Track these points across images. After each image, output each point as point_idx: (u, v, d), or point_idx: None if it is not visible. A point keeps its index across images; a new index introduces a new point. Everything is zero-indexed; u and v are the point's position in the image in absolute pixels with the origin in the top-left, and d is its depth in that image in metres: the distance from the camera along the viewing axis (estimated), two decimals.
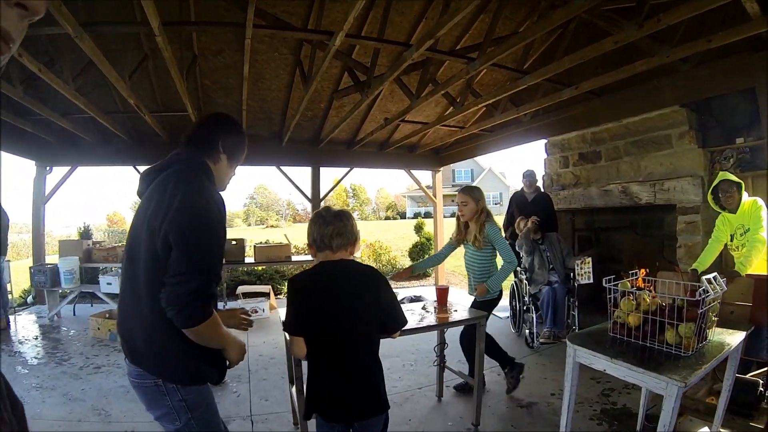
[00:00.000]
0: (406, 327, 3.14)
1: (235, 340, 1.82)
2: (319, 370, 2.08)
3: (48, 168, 8.34)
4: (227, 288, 8.98)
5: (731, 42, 3.86)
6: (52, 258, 8.73)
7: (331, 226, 2.11)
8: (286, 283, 9.03)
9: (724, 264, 4.69)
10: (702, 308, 2.10)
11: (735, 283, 3.12)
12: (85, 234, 9.97)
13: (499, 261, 3.99)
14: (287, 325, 2.11)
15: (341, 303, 2.05)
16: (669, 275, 3.54)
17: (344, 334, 2.05)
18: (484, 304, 3.89)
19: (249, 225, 52.23)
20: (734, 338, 2.43)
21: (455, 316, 3.53)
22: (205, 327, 1.61)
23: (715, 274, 2.30)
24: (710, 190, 4.10)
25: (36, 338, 6.35)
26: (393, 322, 2.21)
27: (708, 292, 2.10)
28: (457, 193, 4.09)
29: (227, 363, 1.85)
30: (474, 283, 4.05)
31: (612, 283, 2.46)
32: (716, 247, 4.14)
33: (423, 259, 4.33)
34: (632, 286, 2.47)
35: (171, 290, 1.55)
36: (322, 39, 4.70)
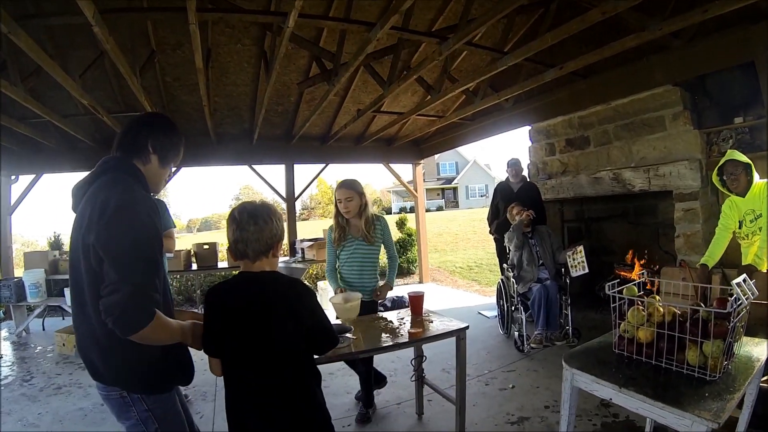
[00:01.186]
0: (376, 346, 2.77)
1: (186, 328, 1.75)
2: (238, 393, 1.78)
3: (13, 177, 7.82)
4: (203, 293, 8.52)
5: (725, 13, 3.50)
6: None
7: (246, 232, 1.76)
8: None
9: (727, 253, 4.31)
10: (733, 321, 1.67)
11: (752, 279, 2.72)
12: (56, 244, 9.45)
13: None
14: (204, 344, 1.80)
15: (259, 320, 1.75)
16: (676, 272, 3.16)
17: (262, 353, 1.75)
18: (375, 305, 3.78)
19: None
20: (762, 349, 2.01)
21: (432, 329, 3.01)
22: (150, 330, 1.55)
23: (745, 276, 1.84)
24: (716, 170, 3.69)
25: (0, 357, 6.00)
26: (321, 340, 1.89)
27: (739, 300, 1.67)
28: (337, 189, 3.74)
29: (191, 363, 1.87)
30: (368, 283, 3.75)
31: (615, 290, 2.01)
32: (725, 236, 3.68)
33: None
34: (640, 290, 2.04)
35: (105, 301, 1.51)
36: (277, 21, 4.25)
